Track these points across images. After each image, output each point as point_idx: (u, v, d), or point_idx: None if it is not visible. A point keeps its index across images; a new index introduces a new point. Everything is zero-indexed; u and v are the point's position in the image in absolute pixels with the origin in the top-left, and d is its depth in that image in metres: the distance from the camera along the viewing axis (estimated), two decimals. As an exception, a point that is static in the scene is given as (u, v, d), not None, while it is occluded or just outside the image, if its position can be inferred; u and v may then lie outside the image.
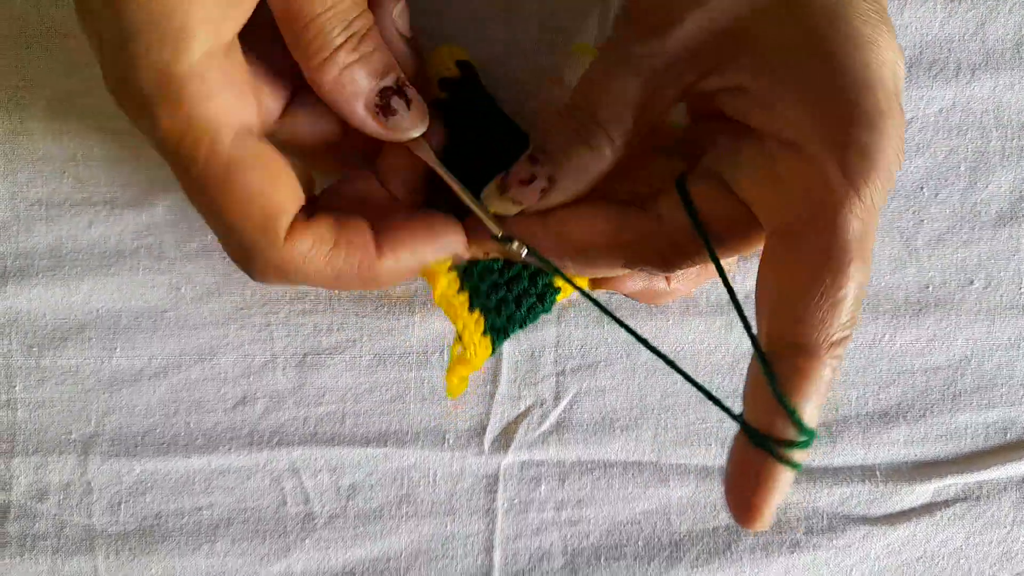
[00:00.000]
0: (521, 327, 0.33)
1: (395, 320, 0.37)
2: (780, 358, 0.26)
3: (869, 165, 0.24)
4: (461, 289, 0.31)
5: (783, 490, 0.26)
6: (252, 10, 0.26)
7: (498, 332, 0.32)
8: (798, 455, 0.26)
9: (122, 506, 0.37)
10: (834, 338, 0.25)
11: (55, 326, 0.36)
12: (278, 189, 0.27)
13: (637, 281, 0.32)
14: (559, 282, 0.33)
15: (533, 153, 0.29)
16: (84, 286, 0.36)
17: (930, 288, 0.38)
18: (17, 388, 0.37)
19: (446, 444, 0.38)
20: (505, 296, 0.32)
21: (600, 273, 0.31)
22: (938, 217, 0.38)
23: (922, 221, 0.38)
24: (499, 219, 0.30)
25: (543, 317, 0.37)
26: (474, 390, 0.37)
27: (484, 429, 0.38)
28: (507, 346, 0.37)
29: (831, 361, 0.25)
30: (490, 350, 0.32)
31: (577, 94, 0.29)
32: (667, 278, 0.33)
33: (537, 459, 0.38)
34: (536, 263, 0.30)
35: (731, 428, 0.38)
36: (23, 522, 0.37)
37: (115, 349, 0.37)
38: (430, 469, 0.38)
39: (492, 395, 0.37)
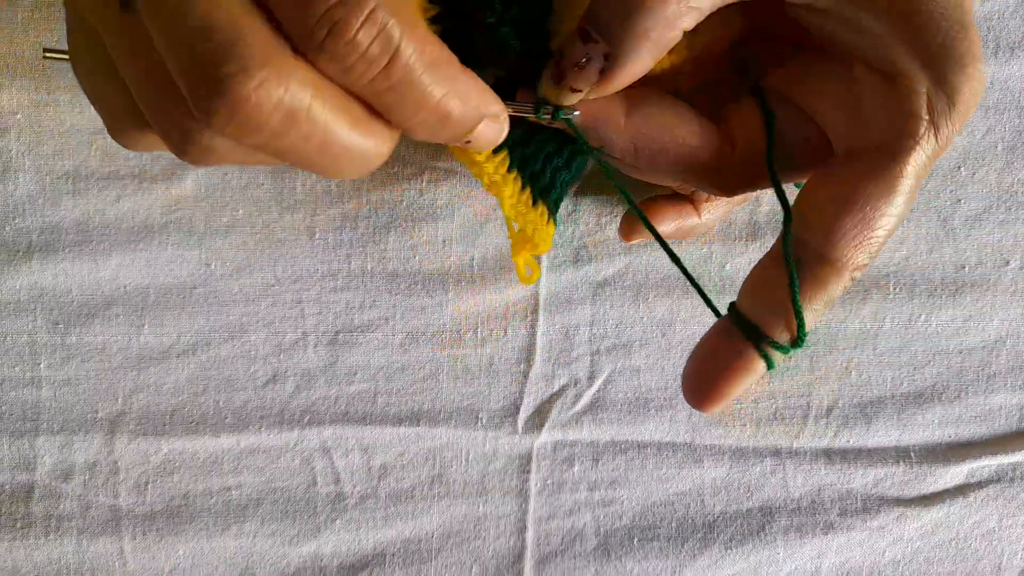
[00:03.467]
0: (572, 180, 0.32)
1: (428, 297, 0.36)
2: (804, 265, 0.26)
3: (954, 107, 0.25)
4: (524, 187, 0.29)
5: (747, 385, 0.26)
6: None
7: (556, 203, 0.31)
8: (778, 357, 0.26)
9: (149, 486, 0.37)
10: (859, 262, 0.25)
11: (81, 302, 0.36)
12: None
13: (670, 223, 0.33)
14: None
15: (584, 27, 0.25)
16: (112, 261, 0.35)
17: (966, 268, 0.37)
18: (42, 365, 0.36)
19: (479, 424, 0.37)
20: (557, 164, 0.30)
21: (655, 180, 0.30)
22: (975, 197, 0.37)
23: (959, 201, 0.37)
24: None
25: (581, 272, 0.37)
26: (508, 369, 0.37)
27: (518, 409, 0.37)
28: (542, 325, 0.37)
29: (847, 282, 0.26)
30: (553, 225, 0.31)
31: None
32: (698, 210, 0.33)
33: (571, 439, 0.37)
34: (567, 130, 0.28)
35: (768, 408, 0.38)
36: (48, 502, 0.36)
37: (143, 326, 0.36)
38: (463, 449, 0.37)
39: (526, 374, 0.37)
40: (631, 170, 0.29)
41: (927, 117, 0.25)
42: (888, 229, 0.25)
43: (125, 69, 0.22)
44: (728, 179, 0.28)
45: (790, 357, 0.27)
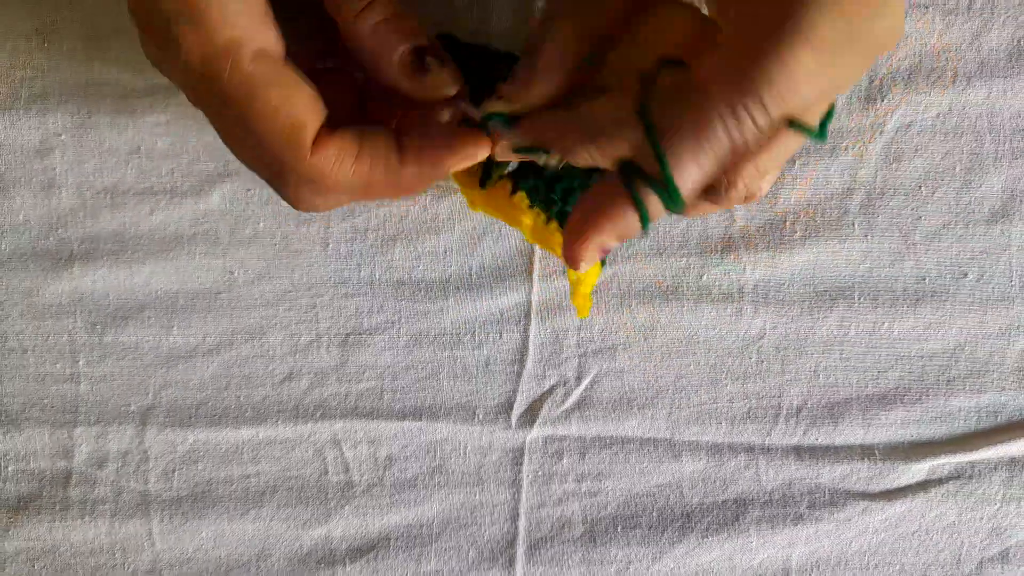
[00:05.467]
0: None
1: (430, 303, 0.40)
2: (689, 103, 0.25)
3: None
4: (549, 220, 0.33)
5: (615, 232, 0.27)
6: None
7: None
8: (654, 205, 0.26)
9: (176, 473, 0.40)
10: (742, 91, 0.24)
11: (117, 306, 0.39)
12: (300, 101, 0.28)
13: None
14: None
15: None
16: (145, 269, 0.39)
17: (926, 280, 0.40)
18: (80, 363, 0.40)
19: (476, 419, 0.40)
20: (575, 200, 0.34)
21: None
22: (935, 214, 0.40)
23: (920, 218, 0.40)
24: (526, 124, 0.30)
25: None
26: (502, 369, 0.40)
27: (511, 406, 0.40)
28: (534, 329, 0.40)
29: (727, 114, 0.24)
30: (600, 266, 0.35)
31: None
32: None
33: (560, 434, 0.41)
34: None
35: (742, 407, 0.41)
36: (83, 487, 0.40)
37: (172, 328, 0.40)
38: (461, 442, 0.40)
39: (519, 374, 0.40)
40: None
41: None
42: (786, 76, 0.23)
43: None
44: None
45: (669, 214, 0.26)
